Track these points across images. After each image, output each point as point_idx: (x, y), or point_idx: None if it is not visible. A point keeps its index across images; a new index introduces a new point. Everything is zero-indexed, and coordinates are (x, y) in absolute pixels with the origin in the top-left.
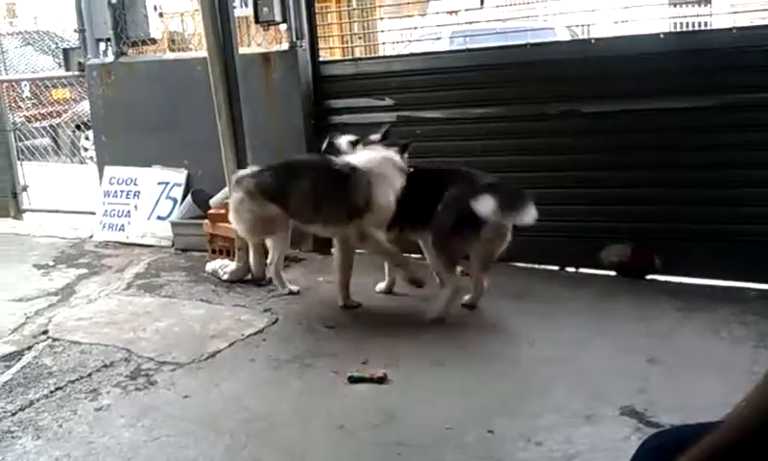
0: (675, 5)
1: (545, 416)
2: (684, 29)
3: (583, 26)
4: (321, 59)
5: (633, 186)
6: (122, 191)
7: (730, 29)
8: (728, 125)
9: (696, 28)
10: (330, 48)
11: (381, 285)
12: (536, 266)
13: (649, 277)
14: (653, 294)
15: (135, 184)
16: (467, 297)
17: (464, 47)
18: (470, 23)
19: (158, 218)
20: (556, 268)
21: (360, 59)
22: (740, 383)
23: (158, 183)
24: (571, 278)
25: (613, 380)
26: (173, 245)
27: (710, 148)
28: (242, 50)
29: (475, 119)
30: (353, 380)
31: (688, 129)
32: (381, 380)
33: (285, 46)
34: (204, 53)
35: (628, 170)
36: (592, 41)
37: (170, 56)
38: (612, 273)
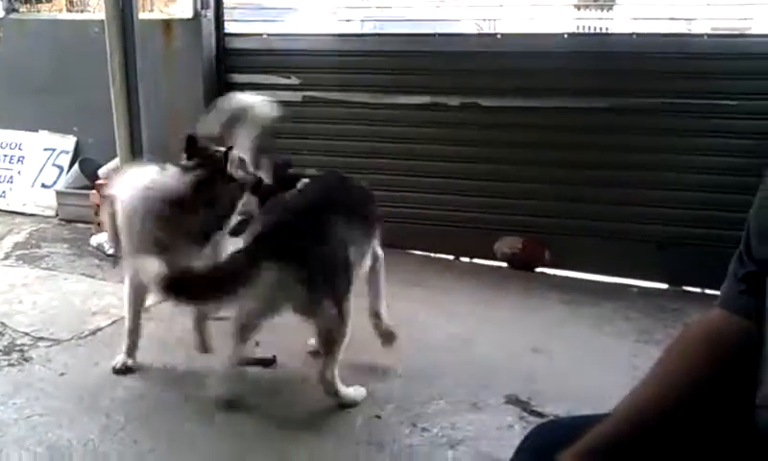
0: (579, 7)
1: (432, 402)
2: (588, 31)
3: (489, 21)
4: (226, 31)
5: (527, 182)
6: (5, 156)
7: (630, 34)
8: (619, 127)
9: (599, 31)
10: (236, 21)
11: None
12: (431, 255)
13: (539, 270)
14: (542, 286)
15: (20, 149)
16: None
17: (374, 31)
18: (381, 8)
19: (43, 186)
20: (451, 257)
21: (268, 35)
22: (622, 376)
23: (44, 150)
24: (465, 267)
25: (500, 369)
26: (57, 215)
27: (602, 148)
28: (142, 15)
29: (381, 105)
30: (242, 363)
31: (582, 129)
32: (270, 363)
33: (189, 14)
34: (102, 15)
35: (523, 165)
36: (498, 36)
37: (65, 15)
38: (504, 264)
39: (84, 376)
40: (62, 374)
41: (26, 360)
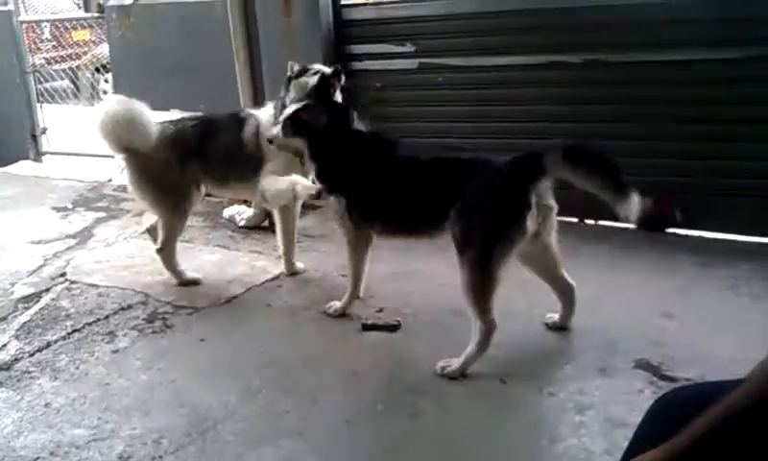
0: None
1: (559, 367)
2: None
3: None
4: (342, 2)
5: (655, 139)
6: None
7: None
8: (757, 78)
9: None
10: None
11: None
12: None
13: (669, 231)
14: (672, 248)
15: None
16: (554, 316)
17: None
18: None
19: None
20: (575, 220)
21: (382, 3)
22: (758, 339)
23: None
24: (591, 230)
25: (628, 334)
26: None
27: (736, 102)
28: None
29: (498, 67)
30: (366, 328)
31: (714, 81)
32: (394, 328)
33: None
34: None
35: (650, 122)
36: None
37: None
38: (632, 226)
39: (222, 342)
40: (202, 339)
41: (168, 327)
